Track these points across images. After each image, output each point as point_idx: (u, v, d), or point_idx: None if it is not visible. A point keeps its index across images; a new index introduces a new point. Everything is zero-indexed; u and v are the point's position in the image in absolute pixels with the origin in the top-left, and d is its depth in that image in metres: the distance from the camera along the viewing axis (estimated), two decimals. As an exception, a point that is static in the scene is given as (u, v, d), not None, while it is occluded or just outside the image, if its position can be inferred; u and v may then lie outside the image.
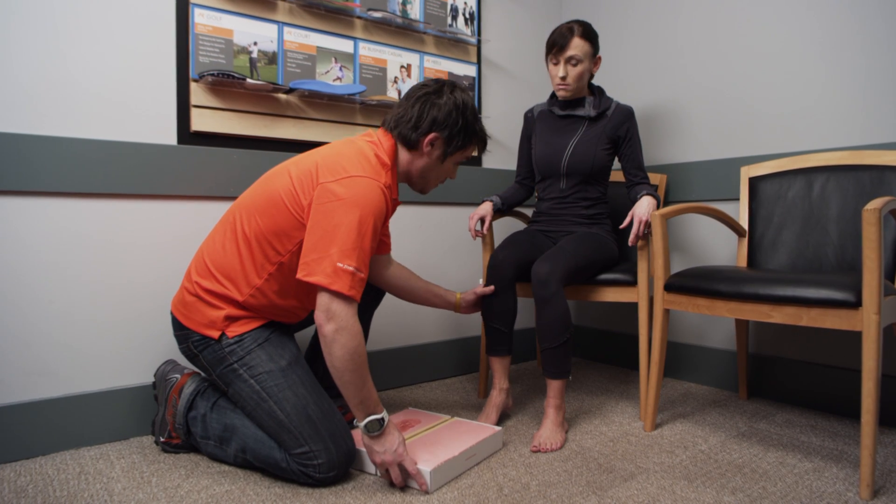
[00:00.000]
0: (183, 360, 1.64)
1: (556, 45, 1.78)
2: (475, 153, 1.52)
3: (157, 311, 1.64)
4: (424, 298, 1.71)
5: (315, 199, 1.25)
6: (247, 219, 1.32)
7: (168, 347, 1.66)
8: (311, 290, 1.32)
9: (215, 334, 1.32)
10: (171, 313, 1.41)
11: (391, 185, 1.37)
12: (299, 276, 1.23)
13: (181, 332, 1.37)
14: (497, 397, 1.68)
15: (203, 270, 1.35)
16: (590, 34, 1.79)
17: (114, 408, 1.56)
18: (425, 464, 1.30)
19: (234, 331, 1.33)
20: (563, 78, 1.80)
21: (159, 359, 1.64)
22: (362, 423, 1.26)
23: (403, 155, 1.42)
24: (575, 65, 1.78)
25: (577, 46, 1.76)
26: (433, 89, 1.41)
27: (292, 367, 1.34)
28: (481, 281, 1.78)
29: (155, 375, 1.51)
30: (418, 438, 1.44)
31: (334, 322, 1.20)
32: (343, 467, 1.31)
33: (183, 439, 1.44)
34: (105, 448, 1.52)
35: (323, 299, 1.21)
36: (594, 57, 1.83)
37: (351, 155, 1.31)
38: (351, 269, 1.20)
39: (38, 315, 1.48)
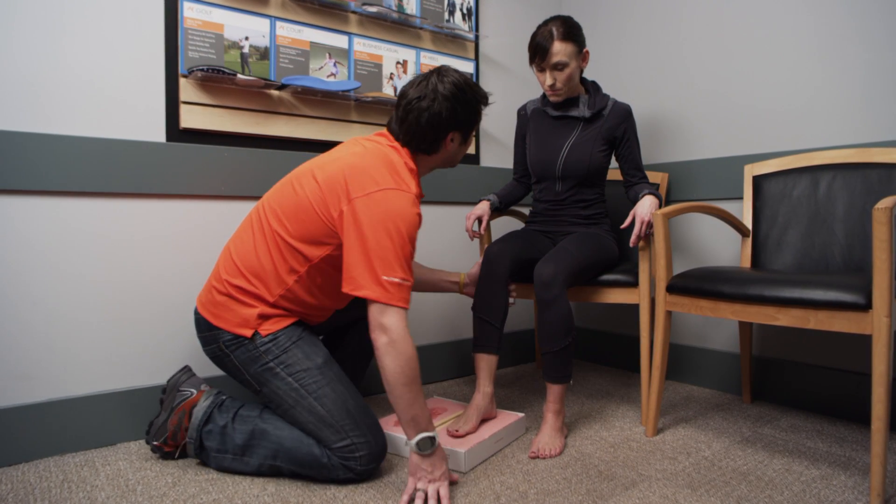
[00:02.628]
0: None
1: (537, 54, 1.71)
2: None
3: (146, 312, 1.60)
4: (429, 283, 1.73)
5: (347, 213, 1.25)
6: (276, 221, 1.32)
7: (158, 349, 1.61)
8: (340, 290, 1.34)
9: (248, 333, 1.31)
10: (198, 313, 1.37)
11: (420, 193, 1.36)
12: (346, 290, 1.24)
13: (210, 332, 1.35)
14: (481, 401, 1.57)
15: (232, 269, 1.34)
16: (570, 33, 1.70)
17: (100, 412, 1.52)
18: (459, 446, 1.40)
19: (267, 329, 1.32)
20: (552, 85, 1.74)
21: (148, 361, 1.60)
22: (414, 441, 1.22)
23: (421, 158, 1.43)
24: (561, 69, 1.71)
25: (559, 51, 1.68)
26: (421, 94, 1.35)
27: (328, 364, 1.34)
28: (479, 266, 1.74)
29: (169, 381, 1.44)
30: (449, 424, 1.53)
31: (387, 335, 1.22)
32: (380, 460, 1.33)
33: (193, 453, 1.38)
34: (90, 454, 1.48)
35: (374, 313, 1.23)
36: (580, 54, 1.74)
37: (380, 166, 1.30)
38: (397, 280, 1.22)
39: (21, 317, 1.43)
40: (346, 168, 1.29)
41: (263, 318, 1.32)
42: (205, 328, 1.36)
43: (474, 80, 2.26)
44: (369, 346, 1.70)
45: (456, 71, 1.40)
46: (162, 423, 1.40)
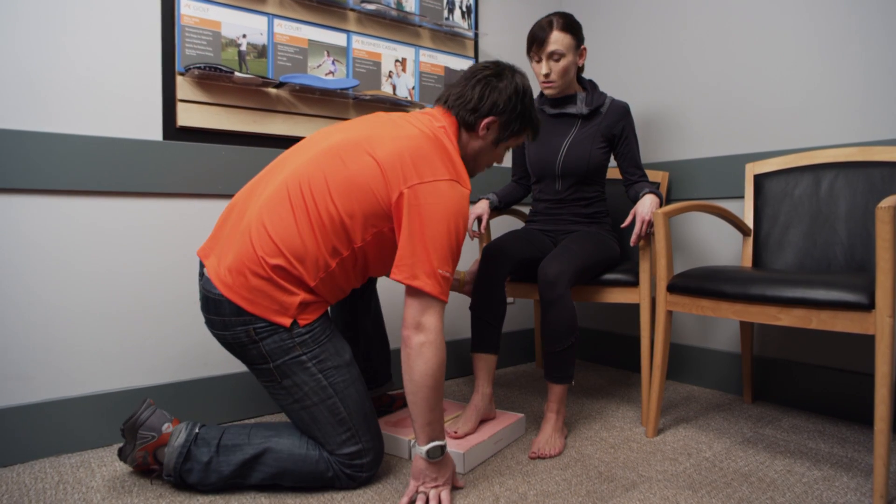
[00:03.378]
0: (169, 353, 1.58)
1: (535, 42, 1.70)
2: (527, 139, 1.48)
3: (143, 312, 1.58)
4: None
5: (410, 198, 1.19)
6: (320, 199, 1.21)
7: (156, 349, 1.60)
8: (370, 271, 1.32)
9: (286, 322, 1.21)
10: (221, 296, 1.21)
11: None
12: (398, 277, 1.18)
13: (239, 317, 1.21)
14: (479, 401, 1.56)
15: (271, 249, 1.20)
16: (570, 26, 1.70)
17: (96, 413, 1.51)
18: (458, 447, 1.38)
19: (305, 318, 1.24)
20: (547, 75, 1.73)
21: (146, 361, 1.59)
22: (425, 448, 1.20)
23: (463, 136, 1.39)
24: (557, 60, 1.70)
25: (557, 41, 1.68)
26: (494, 72, 1.38)
27: (353, 361, 1.31)
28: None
29: (127, 420, 1.28)
30: (448, 425, 1.50)
31: (423, 335, 1.19)
32: (380, 465, 1.33)
33: (173, 486, 1.30)
34: (87, 455, 1.47)
35: (414, 309, 1.19)
36: (578, 49, 1.73)
37: (442, 154, 1.26)
38: (448, 274, 1.21)
39: (15, 317, 1.42)
40: (408, 150, 1.23)
41: (304, 306, 1.23)
42: (230, 312, 1.21)
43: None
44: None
45: (525, 77, 1.42)
46: (130, 453, 1.30)
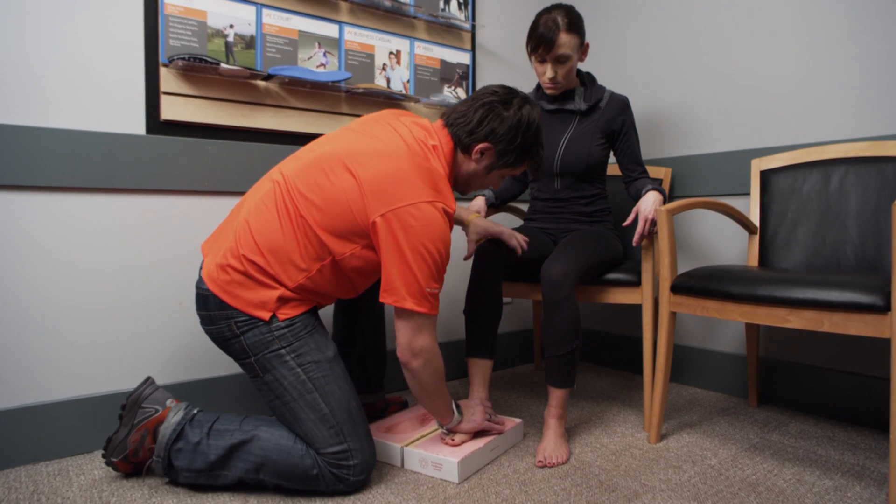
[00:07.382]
0: (164, 353, 1.52)
1: (541, 45, 1.61)
2: (528, 172, 1.43)
3: (125, 313, 1.52)
4: None
5: (390, 223, 1.19)
6: (304, 206, 1.23)
7: (138, 351, 1.54)
8: (362, 278, 1.32)
9: (265, 315, 1.23)
10: (208, 290, 1.24)
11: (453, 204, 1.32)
12: (387, 301, 1.22)
13: (222, 311, 1.24)
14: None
15: (252, 247, 1.23)
16: (576, 24, 1.62)
17: (75, 419, 1.45)
18: (453, 455, 1.33)
19: (285, 313, 1.25)
20: (553, 78, 1.66)
21: (124, 365, 1.53)
22: (453, 420, 1.39)
23: (458, 157, 1.38)
24: (564, 62, 1.63)
25: (565, 43, 1.60)
26: (502, 98, 1.34)
27: (337, 359, 1.29)
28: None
29: (129, 395, 1.29)
30: (442, 432, 1.44)
31: (421, 357, 1.26)
32: (371, 471, 1.28)
33: (161, 473, 1.26)
34: (64, 463, 1.41)
35: (406, 333, 1.23)
36: (581, 46, 1.67)
37: (424, 175, 1.24)
38: (436, 290, 1.25)
39: (-10, 319, 1.36)
40: (391, 171, 1.21)
41: (283, 301, 1.24)
42: (215, 307, 1.25)
43: (470, 71, 2.18)
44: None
45: (536, 109, 1.37)
46: (122, 440, 1.28)
